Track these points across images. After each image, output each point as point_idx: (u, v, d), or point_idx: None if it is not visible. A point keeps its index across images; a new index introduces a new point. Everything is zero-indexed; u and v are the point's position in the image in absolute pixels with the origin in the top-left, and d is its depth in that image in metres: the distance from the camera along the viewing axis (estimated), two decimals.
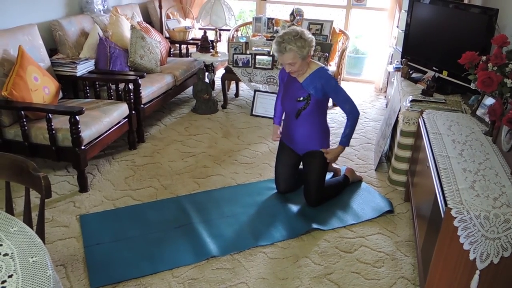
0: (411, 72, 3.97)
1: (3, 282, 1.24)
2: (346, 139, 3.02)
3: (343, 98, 2.96)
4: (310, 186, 3.12)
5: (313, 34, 4.98)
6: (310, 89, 2.94)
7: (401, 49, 4.29)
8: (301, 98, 2.97)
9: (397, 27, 5.24)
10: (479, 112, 2.87)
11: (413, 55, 3.99)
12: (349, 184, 3.43)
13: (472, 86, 2.93)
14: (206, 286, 2.39)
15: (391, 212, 3.12)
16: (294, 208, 3.14)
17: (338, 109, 5.21)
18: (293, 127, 3.08)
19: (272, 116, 4.93)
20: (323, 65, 3.01)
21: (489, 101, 2.80)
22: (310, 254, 2.68)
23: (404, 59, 4.01)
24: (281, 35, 2.82)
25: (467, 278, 1.95)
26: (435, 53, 3.71)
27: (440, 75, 3.56)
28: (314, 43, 2.88)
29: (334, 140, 4.38)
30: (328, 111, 5.11)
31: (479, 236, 1.85)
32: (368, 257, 2.68)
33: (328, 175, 3.43)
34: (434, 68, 3.67)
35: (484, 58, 2.75)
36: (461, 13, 3.42)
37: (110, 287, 2.36)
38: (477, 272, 1.92)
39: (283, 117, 3.33)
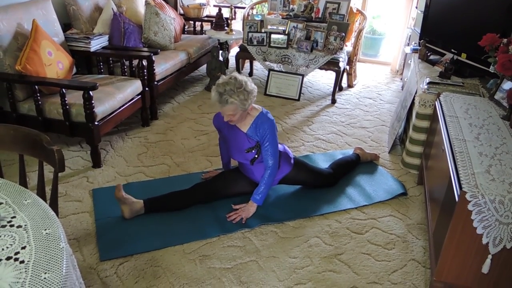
0: (429, 54, 3.89)
1: (16, 253, 1.25)
2: (260, 198, 2.76)
3: (272, 151, 2.71)
4: (313, 186, 3.13)
5: (329, 13, 4.97)
6: (256, 137, 2.71)
7: (419, 31, 4.21)
8: (250, 148, 2.75)
9: (416, 7, 5.14)
10: (497, 96, 2.82)
11: (431, 36, 3.90)
12: (359, 162, 3.42)
13: (492, 69, 2.87)
14: (217, 263, 2.40)
15: (404, 195, 3.10)
16: (306, 188, 3.12)
17: (353, 90, 5.16)
18: (252, 171, 2.86)
19: (285, 97, 4.90)
20: (262, 108, 2.78)
21: (508, 85, 2.74)
22: (321, 234, 2.67)
23: (422, 41, 3.93)
24: (222, 84, 2.56)
25: (479, 262, 1.94)
26: (454, 35, 3.62)
27: (459, 58, 3.49)
28: (255, 93, 2.67)
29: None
30: (342, 92, 5.08)
31: (493, 221, 1.83)
32: (379, 239, 2.67)
33: (334, 156, 3.42)
34: (452, 50, 3.59)
35: (505, 40, 2.68)
36: None
37: (122, 259, 2.39)
38: (489, 256, 1.90)
39: (234, 163, 3.18)
